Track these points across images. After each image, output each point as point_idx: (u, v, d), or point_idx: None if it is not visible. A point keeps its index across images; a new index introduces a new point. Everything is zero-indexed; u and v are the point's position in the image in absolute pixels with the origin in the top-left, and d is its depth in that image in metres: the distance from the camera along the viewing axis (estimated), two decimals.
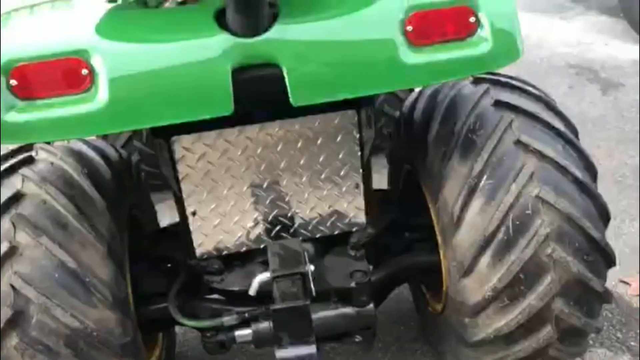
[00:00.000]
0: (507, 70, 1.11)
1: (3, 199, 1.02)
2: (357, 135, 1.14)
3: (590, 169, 1.15)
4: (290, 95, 0.93)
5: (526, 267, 1.04)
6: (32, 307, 0.97)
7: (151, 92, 0.91)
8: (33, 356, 0.97)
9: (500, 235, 1.05)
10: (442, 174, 1.13)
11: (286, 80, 0.92)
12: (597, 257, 1.08)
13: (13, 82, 0.90)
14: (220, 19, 0.94)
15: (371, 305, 1.19)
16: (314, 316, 1.12)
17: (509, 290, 1.05)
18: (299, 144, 1.13)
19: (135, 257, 1.21)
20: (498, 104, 1.14)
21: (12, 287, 0.97)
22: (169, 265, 1.29)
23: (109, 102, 0.90)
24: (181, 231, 1.20)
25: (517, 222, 1.04)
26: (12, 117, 0.90)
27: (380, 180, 1.58)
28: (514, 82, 1.21)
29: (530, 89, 1.22)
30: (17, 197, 1.03)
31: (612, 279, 1.64)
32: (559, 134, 1.13)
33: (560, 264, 1.04)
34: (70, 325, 0.98)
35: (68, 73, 0.91)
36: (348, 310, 1.18)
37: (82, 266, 1.01)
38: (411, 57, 0.95)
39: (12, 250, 0.99)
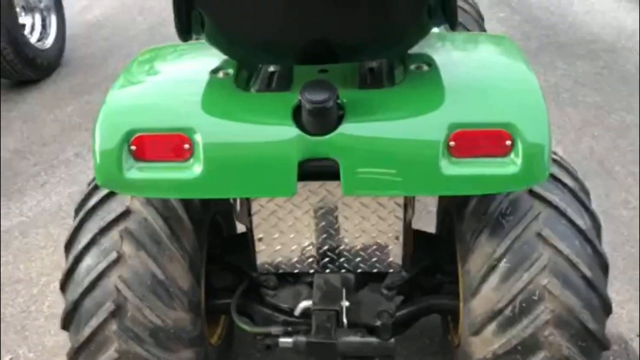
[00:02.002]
0: None
1: (115, 214, 1.31)
2: (402, 201, 1.34)
3: (602, 265, 1.31)
4: (342, 186, 1.14)
5: (524, 342, 1.24)
6: (128, 304, 1.28)
7: (233, 171, 1.16)
8: (125, 340, 1.28)
9: (507, 312, 1.24)
10: (471, 245, 1.32)
11: (341, 174, 1.13)
12: (591, 344, 1.26)
13: (133, 147, 1.16)
14: (296, 113, 1.14)
15: (392, 340, 1.42)
16: (340, 340, 1.37)
17: (506, 357, 1.26)
18: (352, 199, 1.34)
19: (211, 257, 1.49)
20: (532, 193, 1.29)
21: (116, 287, 1.27)
22: (236, 270, 1.56)
23: (201, 174, 1.15)
24: (249, 246, 1.46)
25: (523, 304, 1.23)
26: (130, 174, 1.17)
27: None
28: (554, 171, 1.35)
29: (568, 181, 1.36)
30: (126, 214, 1.31)
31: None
32: (580, 231, 1.28)
33: (554, 345, 1.23)
34: (154, 321, 1.29)
35: (174, 145, 1.16)
36: (371, 339, 1.41)
37: (168, 277, 1.31)
38: (449, 168, 1.13)
39: (118, 259, 1.28)
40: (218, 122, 1.17)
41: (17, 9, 3.46)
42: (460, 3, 2.41)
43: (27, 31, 3.57)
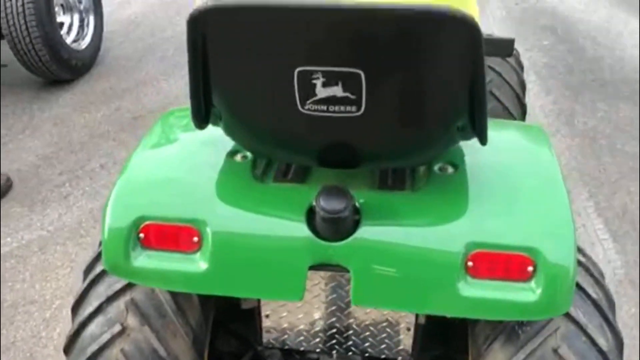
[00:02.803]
0: None
1: (122, 283, 1.29)
2: None
3: None
4: (352, 297, 1.10)
5: None
6: None
7: (240, 270, 1.12)
8: None
9: None
10: (483, 351, 1.27)
11: (352, 284, 1.09)
12: None
13: (141, 235, 1.13)
14: (311, 213, 1.10)
15: None
16: None
17: None
18: None
19: (217, 322, 1.47)
20: None
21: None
22: (241, 339, 1.54)
23: (207, 270, 1.11)
24: (255, 320, 1.43)
25: None
26: (137, 262, 1.14)
27: None
28: (579, 279, 1.28)
29: (592, 291, 1.29)
30: (133, 283, 1.29)
31: None
32: (600, 351, 1.22)
33: None
34: None
35: (183, 236, 1.12)
36: None
37: (170, 354, 1.28)
38: (466, 289, 1.07)
39: (122, 331, 1.27)
40: (229, 216, 1.14)
41: (56, 8, 3.47)
42: None
43: (64, 31, 3.58)
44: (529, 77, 3.69)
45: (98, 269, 1.36)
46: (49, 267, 2.34)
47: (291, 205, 1.13)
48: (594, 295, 1.29)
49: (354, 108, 0.96)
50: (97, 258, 1.39)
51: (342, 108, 0.96)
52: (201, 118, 1.08)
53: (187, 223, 1.12)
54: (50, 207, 2.65)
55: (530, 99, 2.83)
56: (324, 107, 0.96)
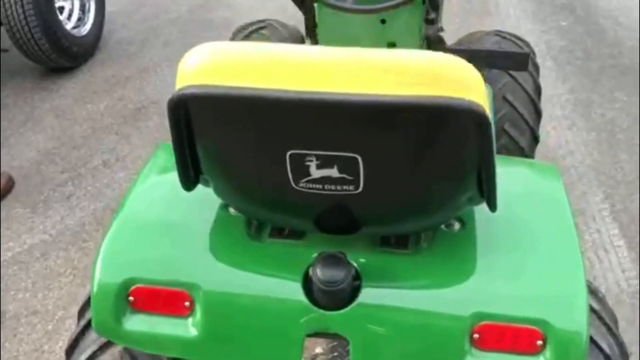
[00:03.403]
0: None
1: None
2: None
3: None
4: None
5: None
6: None
7: (232, 337, 1.06)
8: None
9: None
10: None
11: (350, 355, 1.03)
12: None
13: (131, 298, 1.08)
14: (308, 279, 1.03)
15: None
16: None
17: None
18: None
19: None
20: None
21: None
22: None
23: (199, 336, 1.06)
24: None
25: None
26: (127, 326, 1.09)
27: None
28: (592, 331, 1.22)
29: (605, 345, 1.23)
30: None
31: None
32: None
33: None
34: None
35: (174, 300, 1.07)
36: None
37: None
38: None
39: None
40: (222, 280, 1.08)
41: None
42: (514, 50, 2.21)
43: (64, 16, 3.48)
44: (545, 62, 3.55)
45: (89, 314, 1.32)
46: (51, 274, 2.31)
47: (287, 267, 1.07)
48: (607, 349, 1.23)
49: (351, 187, 0.89)
50: (90, 301, 1.35)
51: (339, 187, 0.89)
52: (189, 183, 1.01)
53: (178, 287, 1.06)
54: (53, 209, 2.61)
55: (546, 88, 2.71)
56: (320, 186, 0.89)
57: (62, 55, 3.36)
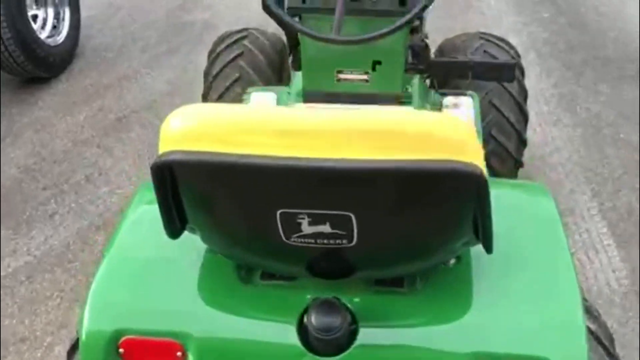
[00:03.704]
0: None
1: None
2: None
3: None
4: None
5: None
6: None
7: None
8: None
9: None
10: None
11: None
12: None
13: (121, 350, 1.04)
14: (302, 323, 1.01)
15: None
16: None
17: None
18: None
19: None
20: None
21: None
22: None
23: None
24: None
25: None
26: None
27: None
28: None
29: None
30: None
31: None
32: None
33: None
34: None
35: (165, 350, 1.04)
36: None
37: None
38: None
39: None
40: (213, 328, 1.05)
41: (28, 1, 3.27)
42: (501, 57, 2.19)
43: (38, 25, 3.39)
44: (529, 55, 3.54)
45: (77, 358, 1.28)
46: (37, 298, 2.27)
47: (281, 311, 1.04)
48: None
49: (344, 241, 0.86)
50: (77, 345, 1.31)
51: (332, 241, 0.86)
52: (175, 232, 0.98)
53: (169, 337, 1.03)
54: (36, 229, 2.55)
55: (531, 82, 2.70)
56: (312, 240, 0.86)
57: (38, 65, 3.28)
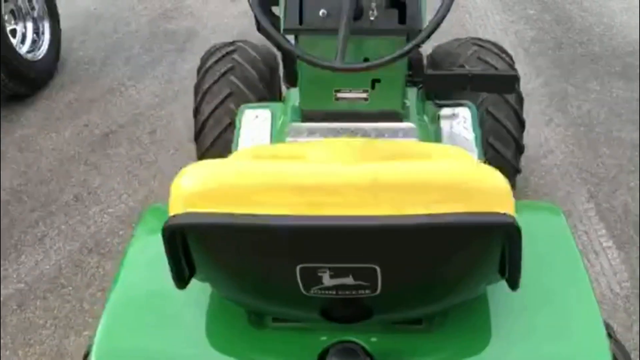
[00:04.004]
0: None
1: None
2: None
3: None
4: None
5: None
6: None
7: None
8: None
9: None
10: None
11: None
12: None
13: None
14: None
15: None
16: None
17: None
18: None
19: None
20: None
21: None
22: None
23: None
24: None
25: None
26: None
27: None
28: None
29: None
30: None
31: None
32: None
33: None
34: None
35: None
36: None
37: None
38: None
39: None
40: None
41: (6, 17, 3.18)
42: None
43: (17, 39, 3.29)
44: (518, 54, 3.52)
45: None
46: (30, 327, 2.20)
47: (296, 357, 1.00)
48: None
49: (367, 291, 0.82)
50: None
51: (354, 292, 0.82)
52: (183, 282, 0.93)
53: None
54: (26, 253, 2.48)
55: (521, 82, 2.66)
56: (333, 292, 0.82)
57: (19, 82, 3.19)
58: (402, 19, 1.39)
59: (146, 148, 2.98)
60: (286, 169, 0.76)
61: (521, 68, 3.37)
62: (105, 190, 2.76)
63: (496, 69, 2.12)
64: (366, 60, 1.47)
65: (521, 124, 2.19)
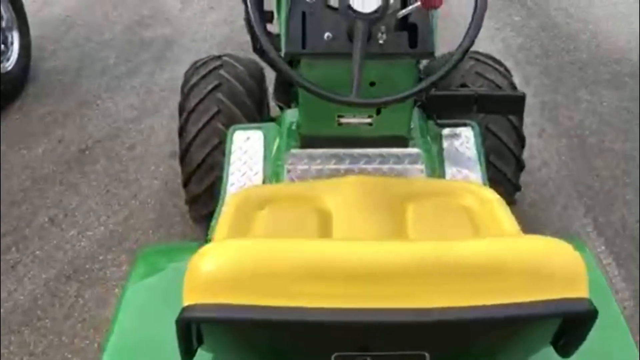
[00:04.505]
0: None
1: None
2: None
3: None
4: None
5: None
6: None
7: None
8: None
9: None
10: None
11: None
12: None
13: None
14: None
15: None
16: None
17: None
18: None
19: None
20: None
21: None
22: None
23: None
24: None
25: None
26: None
27: None
28: None
29: None
30: None
31: None
32: None
33: None
34: None
35: None
36: None
37: None
38: None
39: None
40: None
41: None
42: None
43: None
44: (506, 63, 3.45)
45: None
46: None
47: None
48: None
49: None
50: None
51: None
52: (191, 355, 0.82)
53: None
54: None
55: None
56: None
57: None
58: (412, 42, 1.29)
59: (125, 165, 2.83)
60: (326, 251, 0.64)
61: None
62: (83, 211, 2.60)
63: (498, 86, 2.04)
64: (372, 84, 1.37)
65: (521, 141, 2.12)
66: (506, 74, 2.17)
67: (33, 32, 3.57)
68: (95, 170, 2.81)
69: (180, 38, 3.81)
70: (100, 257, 2.40)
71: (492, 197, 1.00)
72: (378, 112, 1.44)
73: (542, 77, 3.39)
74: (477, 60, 2.20)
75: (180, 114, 2.15)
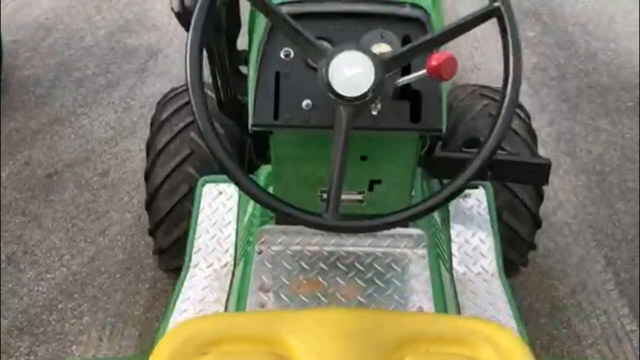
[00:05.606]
0: None
1: None
2: None
3: None
4: None
5: None
6: None
7: None
8: None
9: None
10: None
11: None
12: None
13: None
14: None
15: None
16: None
17: None
18: None
19: None
20: None
21: None
22: None
23: None
24: None
25: None
26: None
27: None
28: None
29: None
30: None
31: None
32: None
33: None
34: None
35: None
36: None
37: None
38: None
39: None
40: None
41: None
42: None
43: None
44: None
45: None
46: None
47: None
48: None
49: None
50: None
51: None
52: None
53: None
54: None
55: None
56: None
57: None
58: (415, 114, 1.01)
59: (96, 194, 2.56)
60: None
61: (524, 102, 3.03)
62: (45, 248, 2.34)
63: (516, 133, 1.76)
64: (364, 159, 1.10)
65: (539, 196, 1.84)
66: (525, 119, 1.88)
67: (8, 36, 3.30)
68: (63, 199, 2.54)
69: (166, 47, 3.52)
70: (60, 306, 2.13)
71: (516, 347, 0.74)
72: (371, 188, 1.17)
73: (559, 102, 3.10)
74: (490, 98, 1.92)
75: (148, 154, 1.88)
